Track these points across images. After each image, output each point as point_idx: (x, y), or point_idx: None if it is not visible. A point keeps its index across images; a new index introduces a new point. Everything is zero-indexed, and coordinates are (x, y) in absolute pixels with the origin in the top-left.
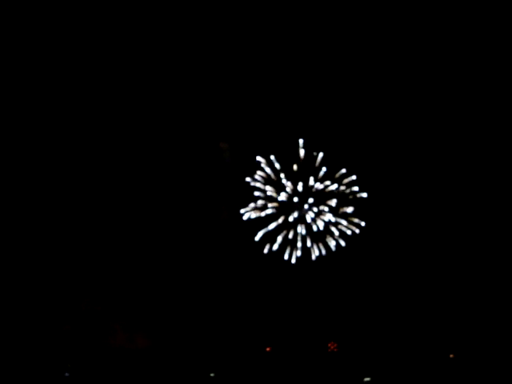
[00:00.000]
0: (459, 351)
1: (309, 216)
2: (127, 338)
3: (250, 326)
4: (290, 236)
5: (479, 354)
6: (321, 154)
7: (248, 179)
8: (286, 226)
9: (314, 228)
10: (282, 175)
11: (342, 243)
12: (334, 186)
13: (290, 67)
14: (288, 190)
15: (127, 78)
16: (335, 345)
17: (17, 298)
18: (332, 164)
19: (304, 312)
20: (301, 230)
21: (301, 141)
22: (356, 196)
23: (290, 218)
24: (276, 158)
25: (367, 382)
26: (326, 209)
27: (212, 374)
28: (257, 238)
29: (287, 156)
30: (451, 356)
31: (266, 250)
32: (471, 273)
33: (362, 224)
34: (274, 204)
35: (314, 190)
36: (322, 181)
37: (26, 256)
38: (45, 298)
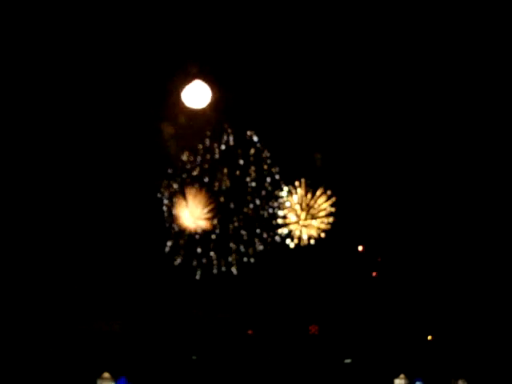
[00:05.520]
0: (438, 333)
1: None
2: (105, 323)
3: (232, 310)
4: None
5: (458, 337)
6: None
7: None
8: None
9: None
10: None
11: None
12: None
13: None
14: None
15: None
16: (316, 327)
17: None
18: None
19: (285, 295)
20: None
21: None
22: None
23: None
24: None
25: (348, 363)
26: None
27: (194, 357)
28: None
29: None
30: (429, 338)
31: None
32: (448, 258)
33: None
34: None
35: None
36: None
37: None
38: (26, 289)
